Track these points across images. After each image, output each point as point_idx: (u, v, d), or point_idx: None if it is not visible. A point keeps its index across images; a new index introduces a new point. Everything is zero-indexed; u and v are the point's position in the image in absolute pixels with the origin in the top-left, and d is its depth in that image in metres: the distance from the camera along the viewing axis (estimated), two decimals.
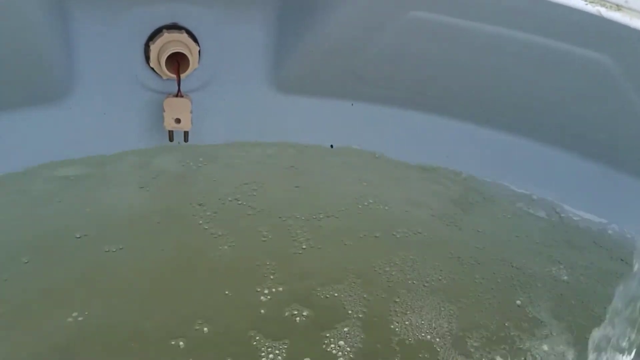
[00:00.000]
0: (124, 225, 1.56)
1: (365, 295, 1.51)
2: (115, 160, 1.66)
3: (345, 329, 1.42)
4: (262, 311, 1.44)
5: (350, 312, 1.46)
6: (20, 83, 1.47)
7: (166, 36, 1.53)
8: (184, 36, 1.54)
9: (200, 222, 1.59)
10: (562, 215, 1.77)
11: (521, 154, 1.78)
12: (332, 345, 1.39)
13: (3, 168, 1.55)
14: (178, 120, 1.58)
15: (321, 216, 1.68)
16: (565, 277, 1.64)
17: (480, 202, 1.80)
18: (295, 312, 1.44)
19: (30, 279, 1.41)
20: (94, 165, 1.64)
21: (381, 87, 1.69)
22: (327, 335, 1.41)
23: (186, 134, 1.63)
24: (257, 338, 1.37)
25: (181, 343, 1.34)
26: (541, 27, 1.38)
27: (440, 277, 1.58)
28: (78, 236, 1.50)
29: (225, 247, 1.56)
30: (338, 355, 1.37)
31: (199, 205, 1.63)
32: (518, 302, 1.56)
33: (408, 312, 1.49)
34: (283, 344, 1.37)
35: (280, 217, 1.65)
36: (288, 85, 1.70)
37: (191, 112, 1.58)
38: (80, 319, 1.35)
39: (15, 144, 1.55)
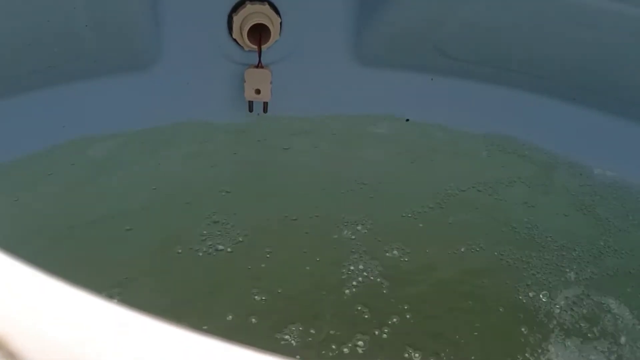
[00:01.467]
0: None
1: None
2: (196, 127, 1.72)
3: None
4: None
5: None
6: (110, 51, 1.53)
7: (249, 7, 1.55)
8: (266, 8, 1.55)
9: None
10: None
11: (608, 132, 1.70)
12: None
13: (93, 129, 1.63)
14: (258, 91, 1.61)
15: None
16: None
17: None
18: None
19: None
20: (178, 132, 1.70)
21: (462, 61, 1.65)
22: None
23: (265, 104, 1.65)
24: None
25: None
26: None
27: None
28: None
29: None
30: None
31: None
32: None
33: None
34: None
35: None
36: (368, 58, 1.69)
37: (271, 83, 1.60)
38: None
39: (101, 109, 1.62)
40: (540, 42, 1.52)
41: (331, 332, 1.54)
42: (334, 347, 1.51)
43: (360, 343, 1.53)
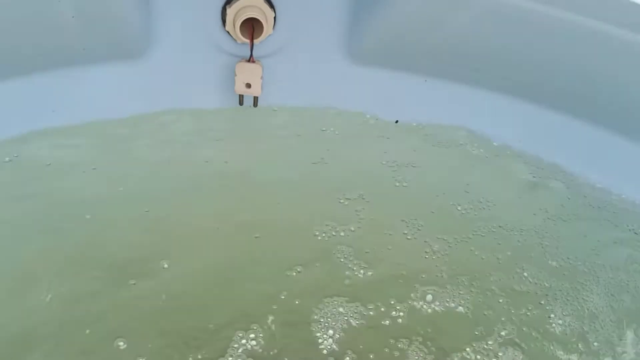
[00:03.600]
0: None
1: None
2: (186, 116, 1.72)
3: None
4: None
5: None
6: (103, 40, 1.52)
7: (243, 1, 1.53)
8: (261, 2, 1.54)
9: None
10: None
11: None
12: None
13: (85, 116, 1.63)
14: (249, 85, 1.61)
15: None
16: None
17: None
18: None
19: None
20: (164, 120, 1.71)
21: (456, 65, 1.64)
22: None
23: (256, 99, 1.65)
24: None
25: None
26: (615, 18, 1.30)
27: None
28: None
29: None
30: None
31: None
32: None
33: None
34: None
35: None
36: (361, 57, 1.68)
37: (262, 78, 1.60)
38: None
39: (93, 95, 1.62)
40: (531, 51, 1.51)
41: None
42: None
43: None
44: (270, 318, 1.48)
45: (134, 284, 1.48)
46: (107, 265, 1.50)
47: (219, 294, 1.52)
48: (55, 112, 1.59)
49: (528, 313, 1.57)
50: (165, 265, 1.51)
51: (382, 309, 1.52)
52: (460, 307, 1.56)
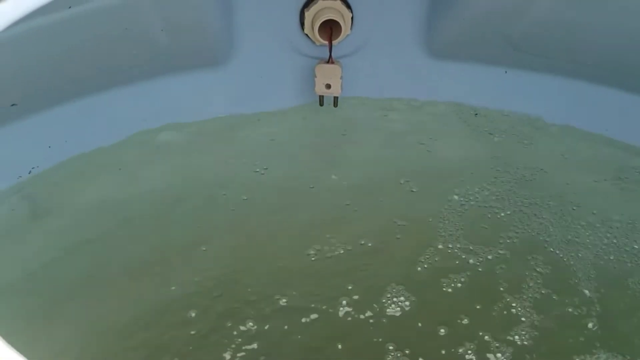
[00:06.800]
0: None
1: None
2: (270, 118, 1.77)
3: None
4: None
5: None
6: (186, 48, 1.58)
7: (320, 3, 1.56)
8: (338, 3, 1.56)
9: None
10: None
11: None
12: None
13: (172, 118, 1.71)
14: (328, 86, 1.63)
15: None
16: None
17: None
18: None
19: None
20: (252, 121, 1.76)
21: (536, 55, 1.60)
22: None
23: (336, 99, 1.68)
24: None
25: None
26: None
27: None
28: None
29: None
30: None
31: None
32: None
33: None
34: None
35: None
36: (440, 51, 1.67)
37: (341, 78, 1.62)
38: None
39: (178, 103, 1.69)
40: (616, 39, 1.46)
41: None
42: None
43: None
44: None
45: None
46: None
47: None
48: (145, 120, 1.67)
49: None
50: None
51: None
52: None
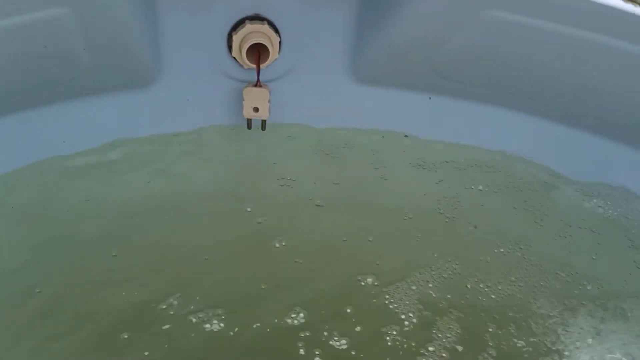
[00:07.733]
0: None
1: None
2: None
3: None
4: None
5: None
6: (113, 70, 1.55)
7: (248, 27, 1.56)
8: (266, 27, 1.57)
9: None
10: None
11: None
12: None
13: (96, 142, 1.67)
14: (256, 109, 1.63)
15: None
16: None
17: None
18: None
19: None
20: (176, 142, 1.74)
21: (460, 82, 1.67)
22: None
23: (264, 122, 1.67)
24: None
25: None
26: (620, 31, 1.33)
27: None
28: None
29: None
30: None
31: None
32: None
33: None
34: None
35: None
36: (367, 76, 1.71)
37: (269, 101, 1.62)
38: None
39: (103, 123, 1.66)
40: (533, 68, 1.54)
41: None
42: None
43: None
44: None
45: None
46: None
47: None
48: (65, 142, 1.61)
49: None
50: None
51: None
52: None
